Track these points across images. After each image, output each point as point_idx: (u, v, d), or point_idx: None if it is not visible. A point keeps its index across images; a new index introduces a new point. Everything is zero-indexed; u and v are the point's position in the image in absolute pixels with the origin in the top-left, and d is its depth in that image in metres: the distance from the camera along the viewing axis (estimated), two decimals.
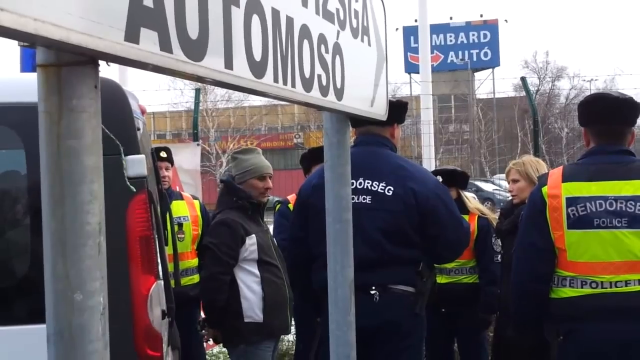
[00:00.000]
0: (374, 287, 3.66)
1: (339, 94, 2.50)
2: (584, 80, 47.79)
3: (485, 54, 55.36)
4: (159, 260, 3.15)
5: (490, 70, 55.64)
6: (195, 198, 5.52)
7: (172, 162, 5.48)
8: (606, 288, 3.14)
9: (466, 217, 5.24)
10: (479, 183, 34.19)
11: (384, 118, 3.05)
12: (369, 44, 2.86)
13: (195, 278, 5.26)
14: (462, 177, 5.43)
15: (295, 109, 43.53)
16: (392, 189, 3.74)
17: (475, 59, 54.80)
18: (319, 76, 2.32)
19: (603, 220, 3.16)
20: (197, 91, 8.56)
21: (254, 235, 4.43)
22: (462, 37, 55.46)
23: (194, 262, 5.34)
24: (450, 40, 55.29)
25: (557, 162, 37.61)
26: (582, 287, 3.18)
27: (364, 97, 2.83)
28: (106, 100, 2.70)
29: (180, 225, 5.18)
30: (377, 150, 3.88)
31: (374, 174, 3.77)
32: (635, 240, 3.14)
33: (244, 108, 45.86)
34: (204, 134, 40.01)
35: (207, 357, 5.95)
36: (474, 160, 45.19)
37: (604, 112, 3.33)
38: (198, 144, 7.71)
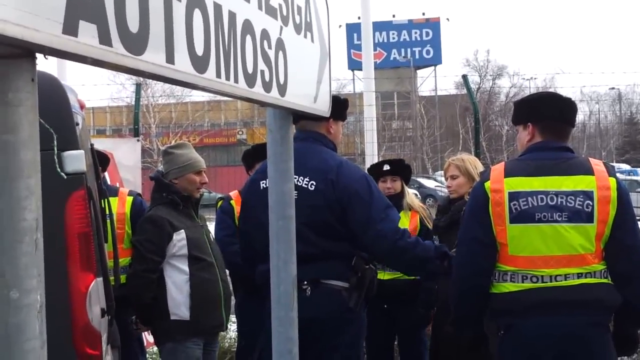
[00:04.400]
0: (305, 282, 3.65)
1: (282, 90, 2.49)
2: (524, 78, 48.87)
3: (428, 52, 56.05)
4: (98, 258, 3.10)
5: (433, 68, 56.32)
6: (133, 194, 5.35)
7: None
8: (546, 282, 3.20)
9: (409, 213, 5.28)
10: (422, 180, 34.61)
11: (327, 114, 3.06)
12: (312, 40, 2.86)
13: (123, 278, 5.07)
14: (408, 169, 5.52)
15: (238, 104, 43.31)
16: (314, 183, 3.77)
17: (417, 56, 55.44)
18: (262, 72, 2.31)
19: (544, 214, 3.22)
20: (138, 86, 8.43)
21: (182, 230, 4.36)
22: (404, 35, 56.05)
23: (122, 261, 5.14)
24: (393, 38, 55.83)
25: (497, 159, 38.27)
26: (522, 282, 3.23)
27: (307, 93, 2.83)
28: (43, 94, 2.66)
29: None
30: (307, 146, 3.87)
31: (300, 169, 3.77)
32: (575, 234, 3.21)
33: (186, 104, 45.45)
34: (146, 129, 39.53)
35: (147, 356, 5.87)
36: (417, 157, 45.65)
37: (555, 109, 3.43)
38: (138, 140, 7.60)
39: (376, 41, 48.00)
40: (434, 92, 53.74)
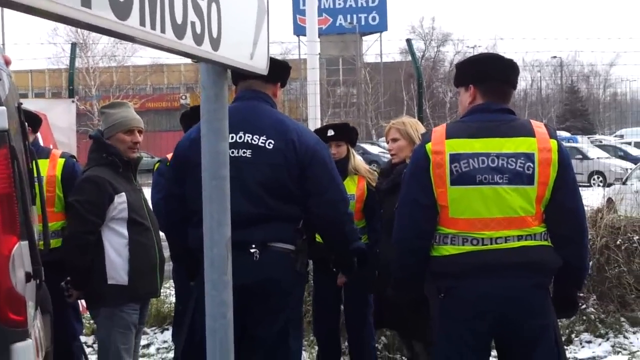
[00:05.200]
0: (253, 246, 3.57)
1: (215, 43, 2.36)
2: (468, 46, 49.16)
3: (373, 19, 55.93)
4: (22, 220, 2.94)
5: (378, 34, 56.26)
6: (65, 156, 5.12)
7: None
8: (487, 245, 3.17)
9: (355, 177, 5.20)
10: (366, 145, 34.74)
11: (265, 72, 2.94)
12: None
13: (56, 242, 4.83)
14: (354, 132, 5.41)
15: (182, 67, 42.64)
16: (272, 142, 3.67)
17: (363, 22, 55.27)
18: (193, 23, 2.17)
19: (485, 176, 3.19)
20: (73, 45, 8.16)
21: (123, 193, 4.23)
22: (350, 1, 55.78)
23: (53, 225, 4.89)
24: (339, 4, 55.56)
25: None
26: (463, 245, 3.20)
27: (243, 49, 2.70)
28: None
29: None
30: (257, 105, 3.79)
31: (254, 127, 3.69)
32: (515, 196, 3.18)
33: (127, 67, 44.57)
34: (86, 93, 38.68)
35: (84, 321, 5.73)
36: (361, 123, 45.72)
37: (496, 70, 3.38)
38: (73, 101, 7.37)
39: (322, 7, 47.76)
40: (379, 59, 53.77)
